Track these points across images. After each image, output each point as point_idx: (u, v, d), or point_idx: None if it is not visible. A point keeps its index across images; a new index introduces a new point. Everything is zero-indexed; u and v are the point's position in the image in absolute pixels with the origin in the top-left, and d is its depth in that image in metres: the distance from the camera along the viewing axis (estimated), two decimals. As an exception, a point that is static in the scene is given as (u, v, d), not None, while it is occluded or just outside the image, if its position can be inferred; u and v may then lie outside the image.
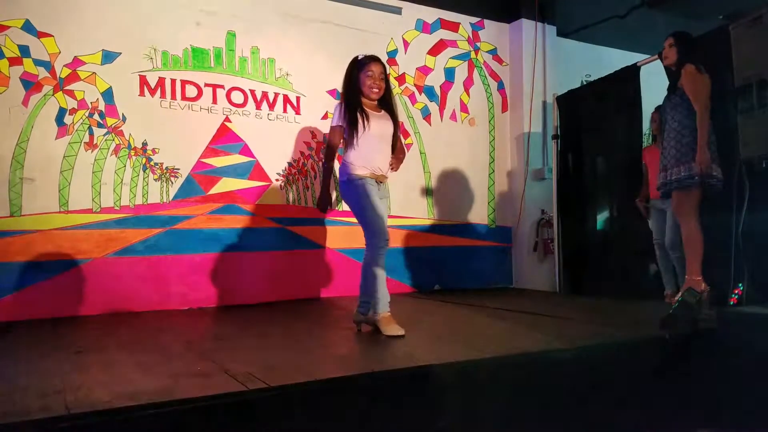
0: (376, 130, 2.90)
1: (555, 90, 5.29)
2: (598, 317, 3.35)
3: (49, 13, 3.60)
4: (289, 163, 4.41)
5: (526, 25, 5.35)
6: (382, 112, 2.99)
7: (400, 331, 2.79)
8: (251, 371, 2.12)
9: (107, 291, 3.69)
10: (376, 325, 2.88)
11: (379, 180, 2.95)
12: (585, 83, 5.57)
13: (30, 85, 3.56)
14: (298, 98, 4.46)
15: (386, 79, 3.00)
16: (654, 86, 4.09)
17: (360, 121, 2.88)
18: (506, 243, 5.41)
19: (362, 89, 2.93)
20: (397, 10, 4.91)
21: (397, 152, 3.06)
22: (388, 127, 2.98)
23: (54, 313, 3.51)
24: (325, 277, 4.46)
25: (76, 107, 3.70)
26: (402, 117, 4.90)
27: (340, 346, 2.64)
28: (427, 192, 5.03)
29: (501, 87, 5.47)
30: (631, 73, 4.38)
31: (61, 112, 3.65)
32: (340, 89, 4.54)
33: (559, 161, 5.10)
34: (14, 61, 3.52)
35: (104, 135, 3.78)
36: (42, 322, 3.37)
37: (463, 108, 5.25)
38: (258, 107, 4.29)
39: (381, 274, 2.91)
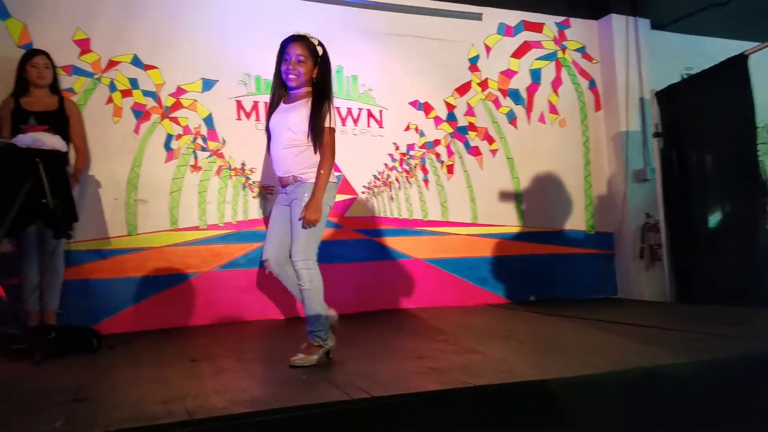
0: (273, 125, 2.57)
1: (652, 86, 5.01)
2: (719, 328, 3.05)
3: (153, 47, 3.92)
4: (374, 176, 4.49)
5: (616, 20, 5.13)
6: (302, 100, 2.55)
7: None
8: (353, 381, 2.17)
9: (214, 302, 3.92)
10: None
11: (283, 183, 2.59)
12: (686, 77, 5.22)
13: (140, 114, 3.89)
14: (380, 112, 4.54)
15: (317, 59, 2.58)
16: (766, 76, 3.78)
17: (270, 113, 2.59)
18: (608, 250, 5.13)
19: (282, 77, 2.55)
20: (477, 17, 4.86)
21: (320, 158, 2.52)
22: (290, 116, 2.52)
23: (168, 324, 3.77)
24: (413, 287, 4.47)
25: (181, 133, 3.98)
26: (487, 122, 4.85)
27: (436, 359, 2.61)
28: (516, 199, 4.92)
29: (592, 85, 5.26)
30: (739, 62, 4.07)
31: (168, 138, 3.95)
32: (421, 100, 4.68)
33: (662, 160, 4.79)
34: (126, 93, 3.86)
35: (207, 157, 4.04)
36: (158, 332, 3.61)
37: (552, 109, 5.09)
38: (343, 123, 4.41)
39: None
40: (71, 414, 1.87)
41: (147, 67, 3.91)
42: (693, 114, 4.56)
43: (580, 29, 5.23)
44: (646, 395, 2.18)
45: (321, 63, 2.59)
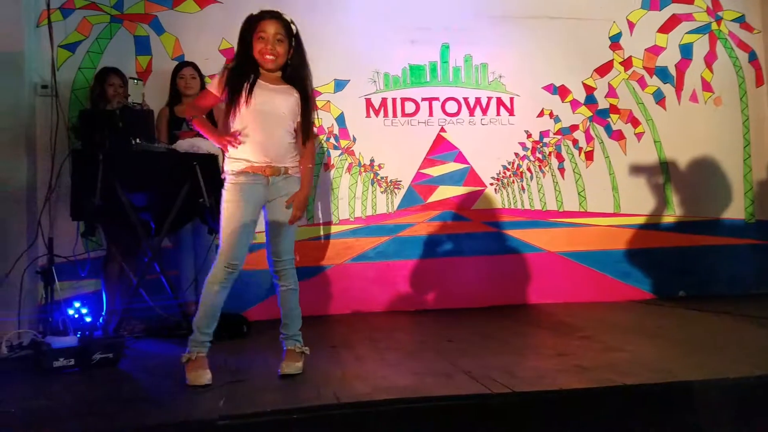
0: (262, 104, 2.23)
1: (824, 56, 4.36)
2: None
3: (293, 54, 4.15)
4: (504, 166, 4.37)
5: (784, -17, 4.53)
6: (285, 86, 2.31)
7: (203, 380, 2.15)
8: (491, 375, 2.13)
9: (347, 293, 4.08)
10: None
11: (267, 173, 2.25)
12: None
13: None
14: (511, 99, 4.40)
15: (292, 40, 2.31)
16: None
17: (243, 92, 2.21)
18: (762, 240, 4.59)
19: (255, 56, 2.26)
20: (620, -9, 4.55)
21: (306, 151, 2.34)
22: (285, 103, 2.28)
23: (307, 312, 3.91)
24: (547, 282, 4.29)
25: (316, 133, 4.17)
26: (631, 104, 4.51)
27: (580, 356, 2.48)
28: (664, 186, 4.52)
29: (753, 58, 4.68)
30: None
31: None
32: (556, 83, 4.48)
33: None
34: (269, 98, 4.14)
35: (339, 155, 4.21)
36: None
37: (706, 87, 4.61)
38: (471, 114, 4.35)
39: (208, 302, 2.27)
40: (231, 394, 2.03)
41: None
42: None
43: (739, -3, 4.68)
44: None
45: (296, 45, 2.33)
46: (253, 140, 2.23)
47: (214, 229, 3.22)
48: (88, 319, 2.93)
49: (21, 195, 3.46)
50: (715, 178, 4.58)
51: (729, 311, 3.54)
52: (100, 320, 3.21)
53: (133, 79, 3.41)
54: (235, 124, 2.25)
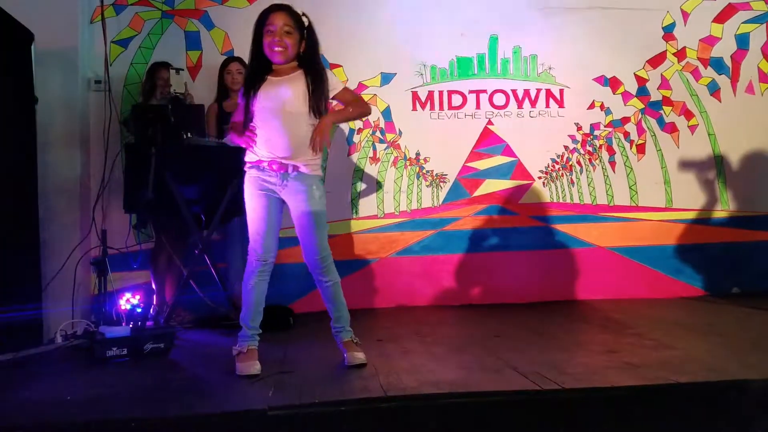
0: (265, 101, 2.24)
1: None
2: None
3: (338, 47, 4.13)
4: (552, 159, 4.30)
5: None
6: (296, 73, 2.28)
7: (252, 370, 2.21)
8: (540, 371, 2.12)
9: (392, 287, 4.09)
10: None
11: (275, 168, 2.25)
12: None
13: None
14: (561, 91, 4.31)
15: (303, 31, 2.29)
16: None
17: (252, 90, 2.25)
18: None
19: (265, 52, 2.26)
20: (673, -19, 4.39)
21: (348, 106, 2.37)
22: (294, 90, 2.24)
23: (352, 305, 3.91)
24: (596, 277, 4.20)
25: (362, 127, 4.19)
26: (684, 96, 4.37)
27: (631, 353, 2.43)
28: (719, 180, 4.37)
29: (817, 47, 4.45)
30: None
31: (350, 132, 4.18)
32: (607, 75, 4.36)
33: None
34: (316, 92, 4.17)
35: (384, 149, 4.20)
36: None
37: (763, 78, 4.41)
38: (519, 106, 4.28)
39: (247, 297, 2.33)
40: (279, 385, 2.07)
41: (332, 66, 4.12)
42: None
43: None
44: None
45: (308, 36, 2.32)
46: (261, 137, 2.25)
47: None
48: (140, 310, 3.02)
49: (75, 188, 3.56)
50: (771, 171, 4.39)
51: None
52: (151, 311, 3.31)
53: (175, 69, 3.49)
54: (255, 122, 2.28)
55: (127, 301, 3.01)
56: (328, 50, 4.08)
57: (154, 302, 3.45)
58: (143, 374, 2.40)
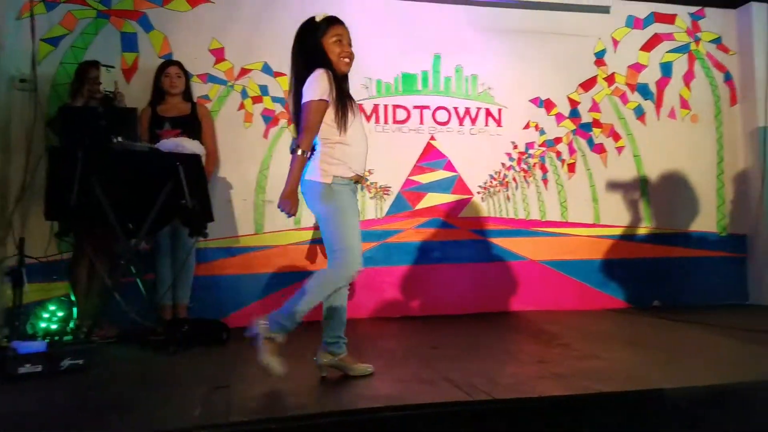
0: (355, 117, 2.25)
1: (795, 78, 4.53)
2: None
3: (283, 55, 4.01)
4: (491, 175, 4.43)
5: (757, 8, 4.71)
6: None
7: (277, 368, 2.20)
8: (473, 381, 2.16)
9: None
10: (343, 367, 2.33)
11: (360, 182, 2.35)
12: (836, 66, 4.66)
13: (269, 119, 4.11)
14: (499, 110, 4.46)
15: None
16: None
17: (349, 103, 2.21)
18: (740, 253, 4.73)
19: (331, 60, 2.26)
20: (605, 10, 4.63)
21: None
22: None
23: None
24: (529, 289, 4.35)
25: (302, 133, 4.17)
26: (613, 119, 4.63)
27: (559, 364, 2.54)
28: (643, 198, 4.63)
29: (728, 78, 4.83)
30: None
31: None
32: (542, 97, 4.52)
33: (805, 157, 4.34)
34: (256, 100, 4.10)
35: (328, 159, 4.19)
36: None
37: (684, 104, 4.74)
38: (461, 123, 4.39)
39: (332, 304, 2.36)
40: (208, 403, 1.99)
41: (276, 74, 4.12)
42: None
43: (716, 19, 4.84)
44: None
45: None
46: (352, 152, 2.24)
47: (196, 231, 3.17)
48: (58, 324, 2.85)
49: (-9, 192, 3.33)
50: (689, 192, 4.70)
51: (700, 321, 3.64)
52: (71, 325, 3.11)
53: (106, 66, 3.36)
54: (349, 136, 2.22)
55: (45, 314, 2.83)
56: (272, 58, 4.10)
57: (74, 315, 3.24)
58: (60, 392, 2.26)
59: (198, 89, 3.91)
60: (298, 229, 4.10)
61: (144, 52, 3.91)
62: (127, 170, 3.08)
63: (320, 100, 2.16)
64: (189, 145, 3.21)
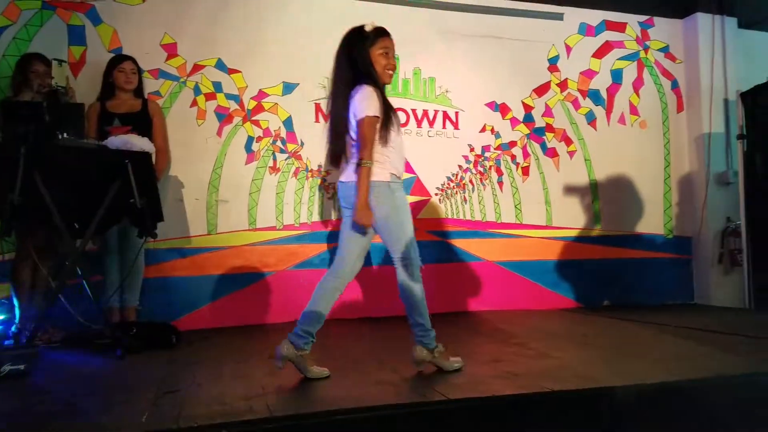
0: (398, 123, 2.42)
1: (738, 86, 4.77)
2: None
3: (237, 52, 4.05)
4: (448, 177, 4.47)
5: (702, 18, 4.92)
6: None
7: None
8: (430, 383, 2.16)
9: (290, 301, 3.97)
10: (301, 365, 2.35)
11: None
12: (773, 77, 4.93)
13: (223, 117, 4.03)
14: (456, 113, 4.51)
15: None
16: None
17: (392, 113, 2.36)
18: (686, 255, 4.93)
19: (376, 70, 2.37)
20: (558, 16, 4.76)
21: None
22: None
23: (244, 321, 3.88)
24: (485, 290, 4.41)
25: (261, 135, 4.10)
26: (565, 124, 4.75)
27: (513, 363, 2.57)
28: (593, 201, 4.77)
29: (675, 86, 5.04)
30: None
31: (249, 140, 4.07)
32: (498, 101, 4.58)
33: (745, 163, 4.56)
34: (210, 96, 4.01)
35: (285, 159, 4.14)
36: (235, 329, 3.71)
37: (633, 110, 4.91)
38: (419, 125, 4.42)
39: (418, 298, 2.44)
40: (156, 408, 1.93)
41: (230, 71, 4.04)
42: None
43: (664, 29, 5.04)
44: (727, 404, 2.13)
45: None
46: (397, 155, 2.38)
47: (145, 232, 3.07)
48: (-2, 327, 2.72)
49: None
50: (638, 195, 4.87)
51: (648, 320, 3.75)
52: (12, 328, 2.99)
53: (57, 60, 3.23)
54: (394, 141, 2.34)
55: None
56: (228, 56, 4.02)
57: (16, 319, 3.09)
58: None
59: (149, 85, 3.80)
60: (253, 229, 4.03)
61: (92, 45, 3.77)
62: (73, 168, 2.96)
63: (374, 116, 2.27)
64: (138, 143, 3.11)
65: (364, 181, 2.25)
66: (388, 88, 4.21)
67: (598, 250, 4.72)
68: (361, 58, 2.36)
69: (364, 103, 2.26)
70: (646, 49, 4.99)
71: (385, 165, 2.32)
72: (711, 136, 4.81)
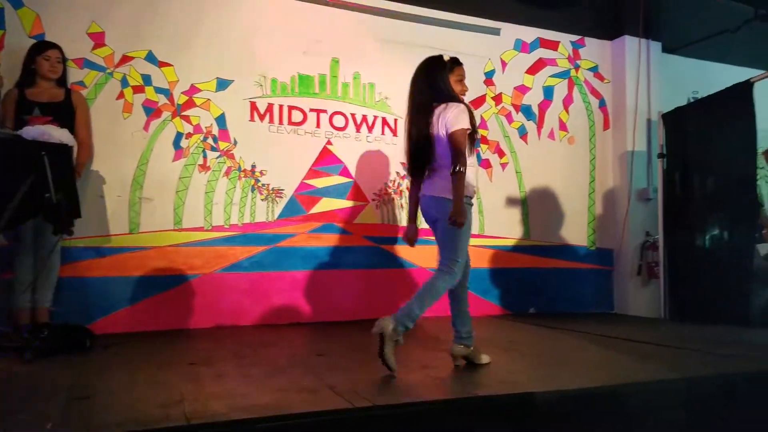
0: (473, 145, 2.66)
1: (660, 107, 5.05)
2: (711, 346, 3.11)
3: (169, 45, 3.90)
4: (386, 184, 4.48)
5: (630, 41, 5.18)
6: None
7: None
8: (356, 389, 2.14)
9: (215, 305, 3.87)
10: (472, 357, 2.67)
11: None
12: (692, 100, 5.29)
13: (151, 111, 3.85)
14: (395, 120, 4.53)
15: None
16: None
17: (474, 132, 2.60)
18: (607, 266, 5.16)
19: (458, 96, 2.68)
20: (495, 31, 4.89)
21: None
22: None
23: (167, 326, 3.71)
24: (419, 296, 4.45)
25: (191, 132, 3.95)
26: (499, 136, 4.88)
27: (441, 369, 2.60)
28: (523, 212, 4.92)
29: (602, 105, 5.29)
30: (744, 89, 4.13)
31: (178, 136, 3.92)
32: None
33: (665, 181, 4.84)
34: (137, 89, 3.83)
35: (217, 158, 4.01)
36: (156, 333, 3.56)
37: (562, 126, 5.11)
38: (358, 130, 4.41)
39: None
40: (64, 415, 1.83)
41: (161, 64, 3.88)
42: (697, 137, 4.61)
43: (594, 49, 5.28)
44: (641, 409, 2.22)
45: None
46: (472, 172, 2.62)
47: (61, 228, 2.89)
48: None
49: None
50: (565, 208, 5.07)
51: (571, 328, 3.89)
52: None
53: None
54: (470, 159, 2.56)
55: None
56: (159, 48, 3.86)
57: None
58: None
59: (73, 75, 3.59)
60: (179, 229, 3.88)
61: (12, 29, 3.53)
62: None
63: (467, 129, 2.52)
64: (57, 134, 2.94)
65: (460, 185, 2.47)
66: (327, 91, 4.32)
67: (527, 260, 4.87)
68: (444, 83, 2.63)
69: (459, 117, 2.51)
70: (576, 67, 5.21)
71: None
72: (634, 154, 5.07)
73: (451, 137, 2.50)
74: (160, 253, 3.79)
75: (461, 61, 2.79)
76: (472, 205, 2.63)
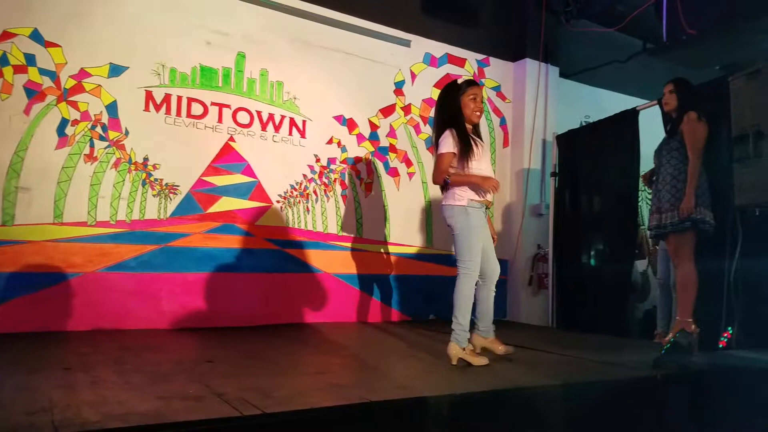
0: (485, 155, 2.98)
1: (555, 129, 5.39)
2: (590, 354, 3.32)
3: (58, 24, 3.60)
4: (292, 186, 4.39)
5: (530, 64, 5.47)
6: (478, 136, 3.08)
7: (486, 360, 2.86)
8: (245, 396, 2.05)
9: (96, 307, 3.60)
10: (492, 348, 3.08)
11: (489, 206, 3.04)
12: (584, 124, 5.69)
13: (33, 93, 3.53)
14: (304, 122, 4.47)
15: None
16: (651, 130, 4.20)
17: (473, 146, 2.91)
18: (502, 276, 5.36)
19: (465, 113, 2.96)
20: (406, 43, 4.99)
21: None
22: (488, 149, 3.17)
23: (41, 327, 3.41)
24: (321, 301, 4.40)
25: (78, 119, 3.66)
26: (407, 146, 4.98)
27: (336, 374, 2.58)
28: (427, 222, 5.03)
29: (503, 123, 5.54)
30: (631, 116, 4.49)
31: (63, 122, 3.62)
32: (346, 115, 4.65)
33: (556, 198, 5.16)
34: (19, 69, 3.50)
35: (105, 148, 3.74)
36: (28, 335, 3.27)
37: (465, 140, 5.29)
38: (263, 128, 4.29)
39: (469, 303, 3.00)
40: None
41: (48, 44, 3.58)
42: (587, 158, 4.95)
43: (498, 69, 5.52)
44: (524, 412, 2.34)
45: None
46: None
47: None
48: None
49: None
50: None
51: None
52: None
53: None
54: (474, 170, 2.87)
55: None
56: (46, 26, 3.55)
57: None
58: None
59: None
60: (59, 224, 3.57)
61: None
62: None
63: (447, 152, 2.89)
64: None
65: (448, 195, 2.95)
66: (231, 86, 4.17)
67: (428, 267, 4.97)
68: (452, 105, 2.98)
69: (442, 143, 2.91)
70: (481, 86, 5.41)
71: (465, 192, 2.88)
72: (529, 172, 5.36)
73: (437, 159, 2.95)
74: (36, 248, 3.47)
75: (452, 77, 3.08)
76: (479, 209, 2.91)
